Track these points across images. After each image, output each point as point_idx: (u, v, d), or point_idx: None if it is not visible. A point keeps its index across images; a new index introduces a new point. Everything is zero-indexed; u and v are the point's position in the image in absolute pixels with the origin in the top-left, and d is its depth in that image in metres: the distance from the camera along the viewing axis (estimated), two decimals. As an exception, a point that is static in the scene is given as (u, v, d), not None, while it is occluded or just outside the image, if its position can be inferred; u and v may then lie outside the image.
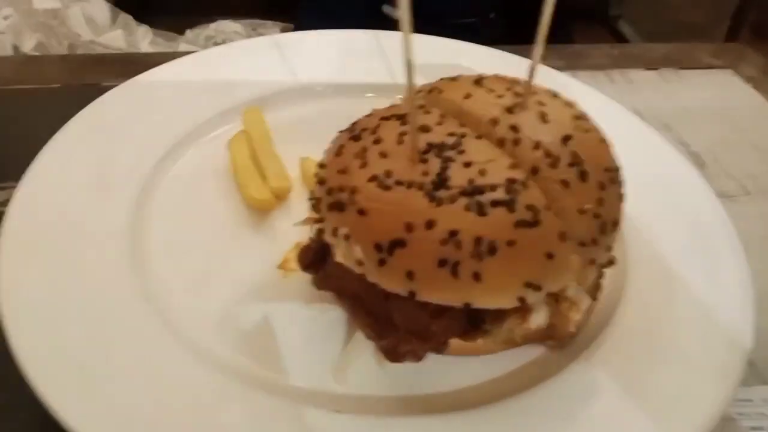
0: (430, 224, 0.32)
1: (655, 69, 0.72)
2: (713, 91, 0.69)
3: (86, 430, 0.31)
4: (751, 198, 0.56)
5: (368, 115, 0.39)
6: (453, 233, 0.32)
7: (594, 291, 0.39)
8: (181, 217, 0.46)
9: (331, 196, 0.35)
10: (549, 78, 0.58)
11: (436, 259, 0.32)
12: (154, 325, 0.38)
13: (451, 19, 1.02)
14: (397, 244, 0.32)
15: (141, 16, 1.41)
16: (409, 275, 0.32)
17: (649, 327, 0.40)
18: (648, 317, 0.40)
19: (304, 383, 0.37)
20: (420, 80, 0.38)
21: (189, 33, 1.38)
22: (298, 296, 0.41)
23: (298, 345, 0.39)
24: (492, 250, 0.32)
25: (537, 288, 0.33)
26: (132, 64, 0.59)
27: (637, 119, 0.55)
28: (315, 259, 0.38)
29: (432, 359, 0.37)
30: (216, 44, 1.36)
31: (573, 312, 0.37)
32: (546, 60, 0.75)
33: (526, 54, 0.38)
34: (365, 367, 0.38)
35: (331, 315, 0.40)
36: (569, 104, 0.39)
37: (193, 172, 0.50)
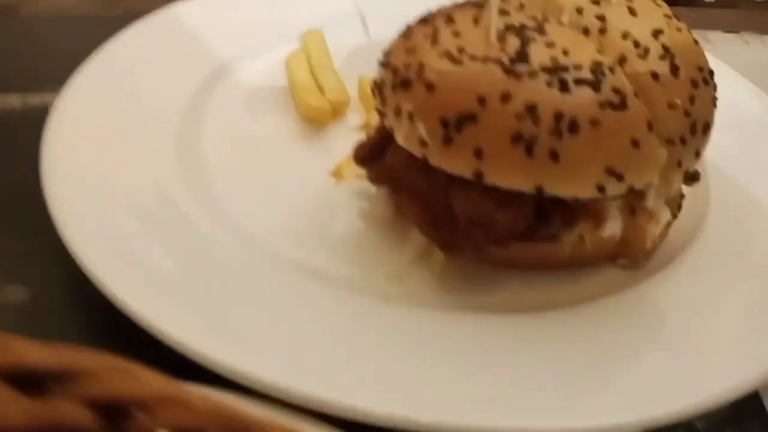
0: (505, 97, 0.29)
1: (736, 32, 0.68)
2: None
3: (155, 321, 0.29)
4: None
5: (438, 9, 0.37)
6: (531, 107, 0.29)
7: (674, 206, 0.35)
8: (236, 127, 0.45)
9: (397, 76, 0.32)
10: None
11: (509, 134, 0.29)
12: (208, 225, 0.36)
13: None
14: (467, 118, 0.29)
15: None
16: (478, 153, 0.29)
17: (729, 254, 0.36)
18: (728, 244, 0.37)
19: (358, 283, 0.34)
20: None
21: None
22: (351, 202, 0.39)
23: (349, 251, 0.37)
24: (573, 128, 0.29)
25: (619, 177, 0.30)
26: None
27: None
28: (372, 153, 0.36)
29: (492, 275, 0.35)
30: None
31: (651, 225, 0.34)
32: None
33: None
34: (421, 273, 0.35)
35: (385, 220, 0.38)
36: (660, 3, 0.36)
37: (249, 87, 0.48)
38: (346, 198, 0.40)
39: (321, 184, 0.41)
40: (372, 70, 0.37)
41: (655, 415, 0.28)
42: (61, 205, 0.33)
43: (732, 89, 0.48)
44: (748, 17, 0.72)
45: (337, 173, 0.41)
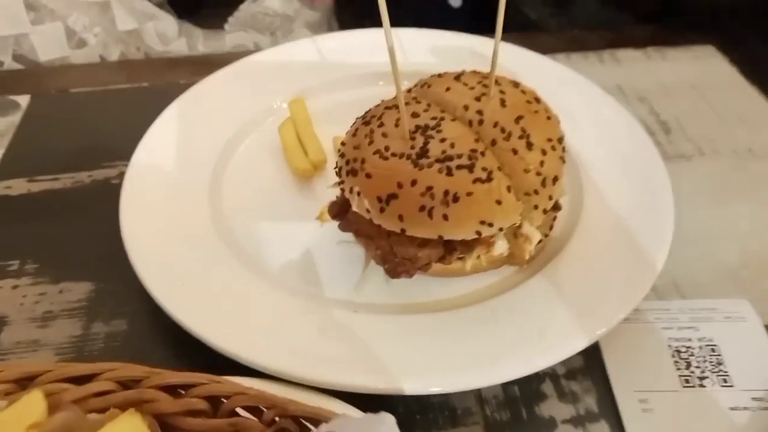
0: (413, 182, 0.46)
1: (642, 48, 0.83)
2: (692, 65, 0.80)
3: (194, 326, 0.48)
4: (704, 158, 0.67)
5: (377, 105, 0.53)
6: (429, 188, 0.46)
7: (545, 229, 0.52)
8: (246, 185, 0.63)
9: (348, 165, 0.50)
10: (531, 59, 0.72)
11: (417, 206, 0.46)
12: (229, 258, 0.54)
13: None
14: (392, 197, 0.46)
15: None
16: (400, 218, 0.47)
17: (587, 254, 0.54)
18: (588, 249, 0.54)
19: (333, 295, 0.52)
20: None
21: (231, 19, 1.52)
22: (331, 237, 0.57)
23: (330, 270, 0.55)
24: (456, 198, 0.45)
25: (490, 224, 0.47)
26: (202, 65, 0.75)
27: (597, 88, 0.69)
28: (340, 210, 0.53)
29: (422, 278, 0.52)
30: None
31: (527, 244, 0.51)
32: (548, 44, 0.88)
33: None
34: (377, 284, 0.53)
35: (353, 250, 0.56)
36: (525, 91, 0.52)
37: (254, 151, 0.66)
38: (327, 232, 0.58)
39: (309, 224, 0.59)
40: (343, 127, 0.54)
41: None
42: (137, 255, 0.52)
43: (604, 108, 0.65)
44: (654, 31, 0.86)
45: (321, 217, 0.59)
